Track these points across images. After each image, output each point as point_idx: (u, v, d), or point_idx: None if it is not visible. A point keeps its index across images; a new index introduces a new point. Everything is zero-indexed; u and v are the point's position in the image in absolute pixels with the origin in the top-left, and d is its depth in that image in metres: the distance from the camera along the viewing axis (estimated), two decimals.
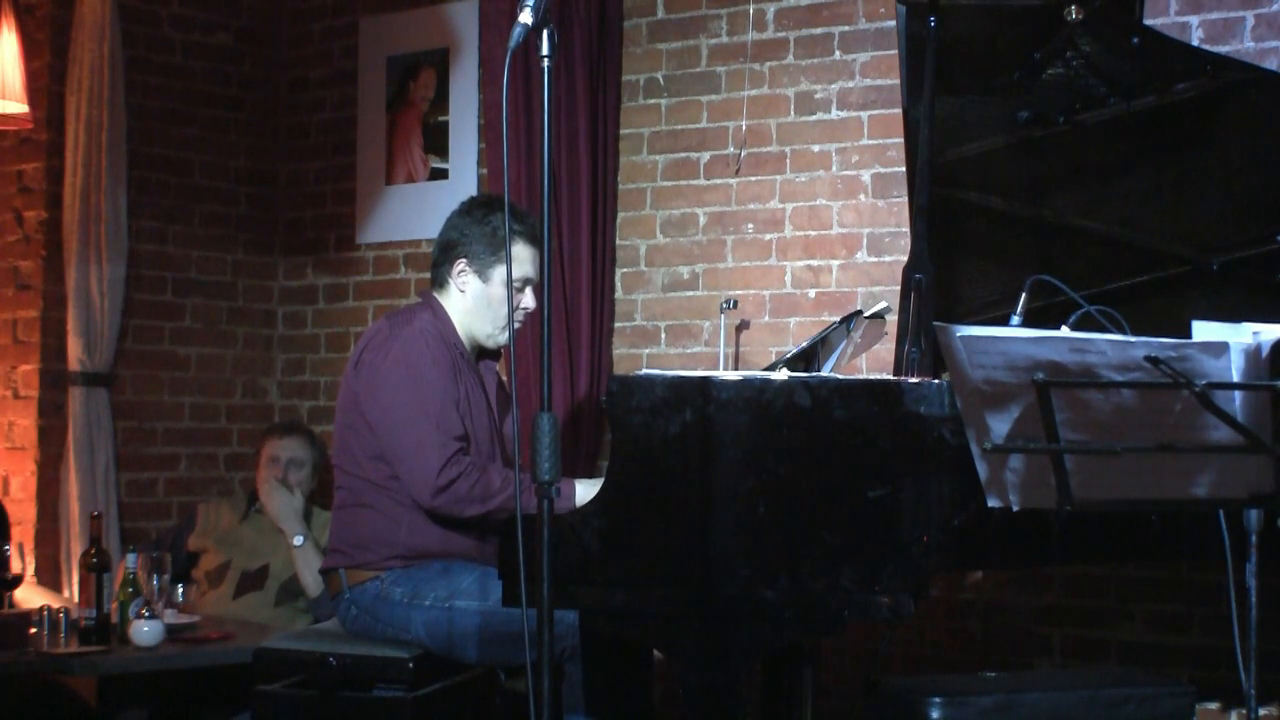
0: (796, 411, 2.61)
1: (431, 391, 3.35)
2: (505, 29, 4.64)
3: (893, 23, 4.10)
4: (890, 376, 2.97)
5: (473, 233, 3.51)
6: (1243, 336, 2.23)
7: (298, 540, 4.31)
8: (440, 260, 3.56)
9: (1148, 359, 2.20)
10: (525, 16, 2.40)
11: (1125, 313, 2.79)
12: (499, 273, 3.49)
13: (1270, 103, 3.14)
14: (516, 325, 3.48)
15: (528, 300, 3.48)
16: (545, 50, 2.44)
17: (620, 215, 4.79)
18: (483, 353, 3.63)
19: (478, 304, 3.52)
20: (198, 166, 5.28)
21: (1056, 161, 3.33)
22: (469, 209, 3.57)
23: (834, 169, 4.44)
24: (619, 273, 4.79)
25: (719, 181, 4.63)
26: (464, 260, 3.51)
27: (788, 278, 4.50)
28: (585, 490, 3.21)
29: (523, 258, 3.47)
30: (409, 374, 3.36)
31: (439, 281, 3.57)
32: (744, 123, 4.57)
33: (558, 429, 2.42)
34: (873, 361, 4.12)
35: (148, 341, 5.12)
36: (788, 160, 4.51)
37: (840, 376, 2.84)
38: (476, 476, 3.30)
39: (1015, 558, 2.96)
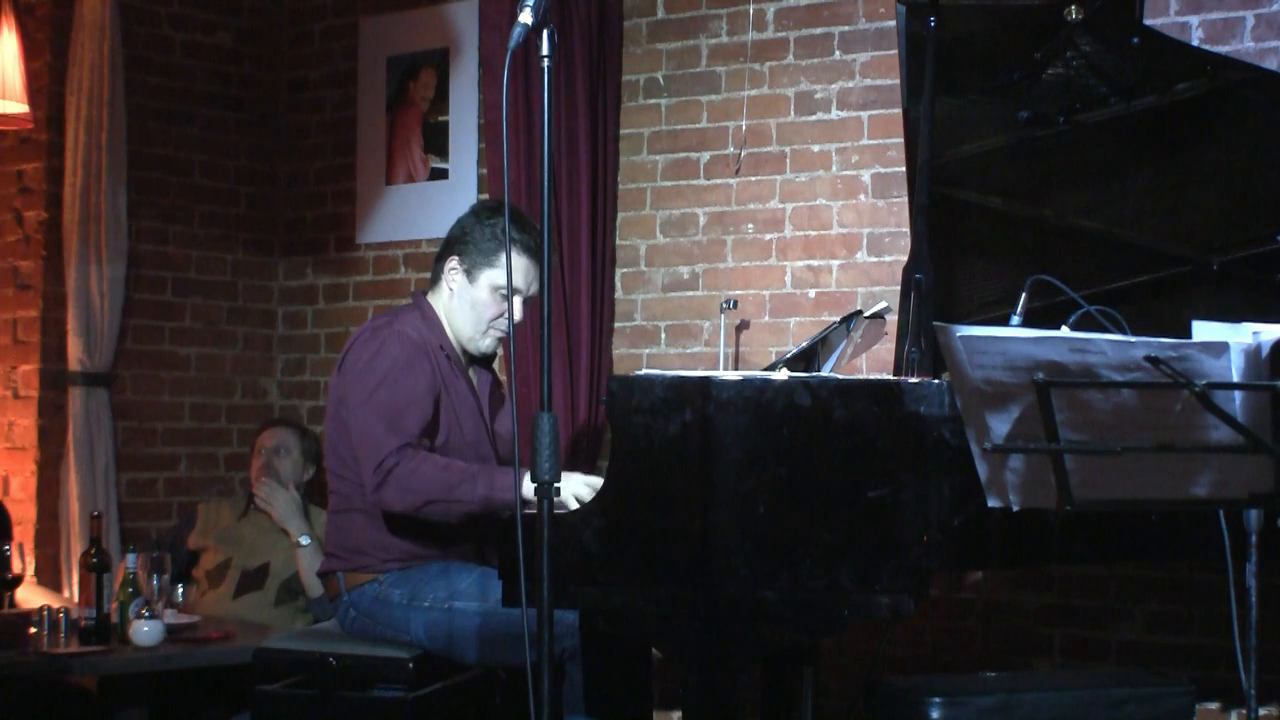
0: (796, 411, 2.61)
1: (390, 392, 3.33)
2: (505, 29, 4.64)
3: (893, 23, 4.10)
4: (890, 376, 2.97)
5: (473, 232, 3.49)
6: (1243, 336, 2.23)
7: (303, 540, 4.32)
8: (439, 255, 3.56)
9: (1148, 359, 2.20)
10: (525, 16, 2.40)
11: (1125, 313, 2.79)
12: (486, 276, 3.46)
13: (1270, 103, 3.14)
14: (500, 334, 3.47)
15: (517, 312, 3.39)
16: (545, 50, 2.44)
17: (620, 215, 4.79)
18: (476, 357, 3.61)
19: (460, 304, 3.49)
20: (198, 166, 5.28)
21: (1056, 161, 3.33)
22: (478, 210, 3.56)
23: (834, 169, 4.44)
24: (619, 273, 4.79)
25: (719, 181, 4.63)
26: (456, 257, 3.50)
27: (788, 278, 4.50)
28: (568, 481, 3.19)
29: (517, 266, 3.38)
30: (373, 374, 3.35)
31: (435, 277, 3.56)
32: (744, 123, 4.57)
33: (558, 429, 2.42)
34: (873, 361, 4.12)
35: (148, 341, 5.11)
36: (788, 160, 4.51)
37: (840, 376, 2.84)
38: (417, 464, 3.25)
39: (1015, 558, 2.96)
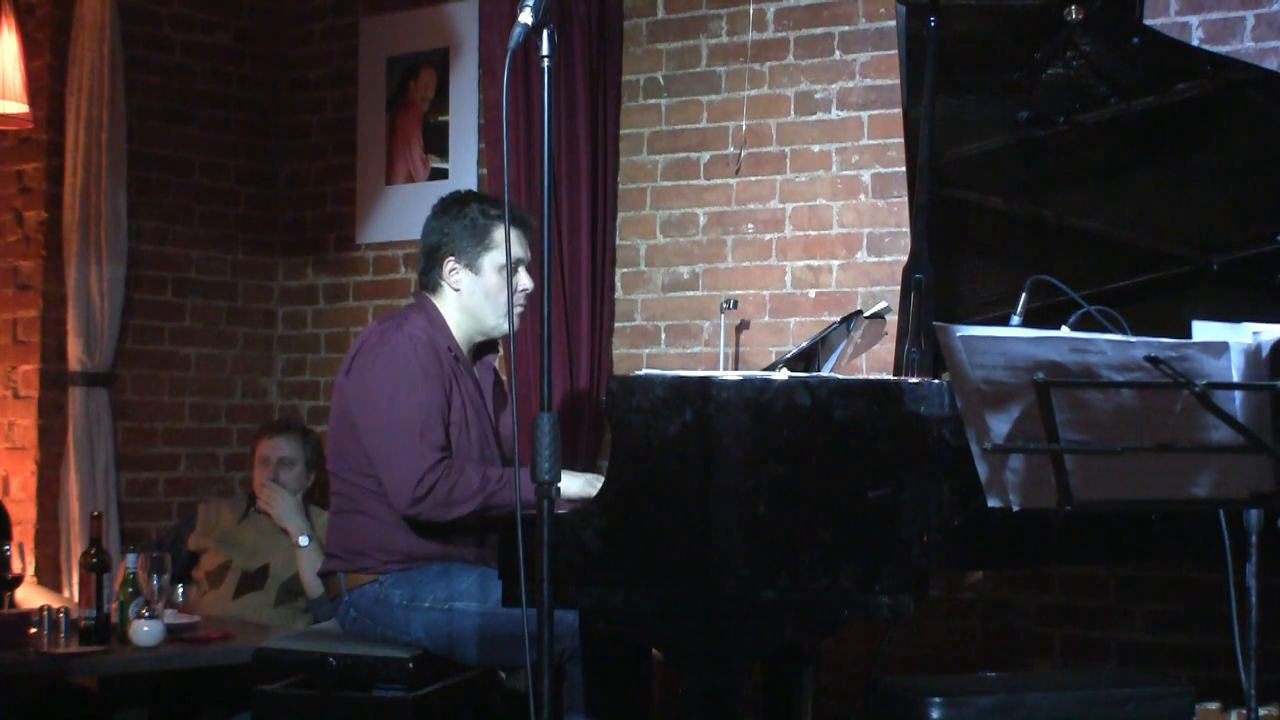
0: (796, 411, 2.61)
1: (415, 401, 3.34)
2: (505, 29, 4.64)
3: (893, 23, 4.09)
4: (890, 376, 2.97)
5: (453, 229, 3.51)
6: (1243, 336, 2.23)
7: (303, 540, 4.32)
8: (428, 265, 3.56)
9: (1148, 359, 2.20)
10: (525, 16, 2.40)
11: (1125, 313, 2.79)
12: (488, 261, 3.49)
13: (1270, 103, 3.14)
14: (519, 309, 3.50)
15: (524, 281, 3.48)
16: (545, 50, 2.44)
17: (620, 215, 4.79)
18: (480, 349, 3.62)
19: (474, 297, 3.51)
20: (198, 166, 5.28)
21: (1056, 161, 3.33)
22: (442, 209, 3.58)
23: (834, 169, 4.44)
24: (619, 273, 4.79)
25: (719, 181, 4.63)
26: (452, 258, 3.51)
27: (788, 278, 4.50)
28: (569, 481, 3.21)
29: (511, 240, 3.44)
30: (394, 382, 3.35)
31: (431, 286, 3.56)
32: (744, 123, 4.57)
33: (558, 429, 2.42)
34: (873, 361, 4.12)
35: (148, 341, 5.12)
36: (788, 160, 4.51)
37: (840, 376, 2.84)
38: (455, 479, 3.28)
39: (1015, 558, 2.96)
